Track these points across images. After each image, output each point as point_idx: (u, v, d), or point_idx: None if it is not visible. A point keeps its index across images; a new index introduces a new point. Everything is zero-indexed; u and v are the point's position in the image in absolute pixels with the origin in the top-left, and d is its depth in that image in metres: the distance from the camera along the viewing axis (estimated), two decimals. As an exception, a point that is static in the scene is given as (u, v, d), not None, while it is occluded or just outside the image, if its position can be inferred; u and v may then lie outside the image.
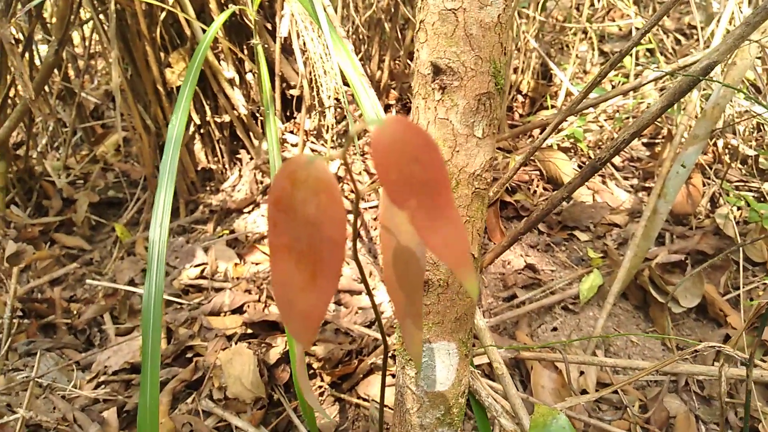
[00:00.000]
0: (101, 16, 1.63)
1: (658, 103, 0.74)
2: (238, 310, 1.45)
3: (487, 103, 0.55)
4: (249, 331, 1.38)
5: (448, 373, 0.69)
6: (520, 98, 2.27)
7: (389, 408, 1.21)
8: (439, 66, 0.53)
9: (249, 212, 1.78)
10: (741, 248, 1.51)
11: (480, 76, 0.53)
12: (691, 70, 0.70)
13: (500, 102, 0.57)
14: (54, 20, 1.45)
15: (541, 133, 1.96)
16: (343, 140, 1.82)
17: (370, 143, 0.28)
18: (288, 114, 1.91)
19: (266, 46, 1.68)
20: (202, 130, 1.85)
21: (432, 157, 0.28)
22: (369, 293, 0.44)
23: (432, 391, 0.70)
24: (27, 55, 1.75)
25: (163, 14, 1.60)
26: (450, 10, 0.51)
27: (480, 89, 0.54)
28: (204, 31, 1.54)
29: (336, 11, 1.68)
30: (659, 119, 2.05)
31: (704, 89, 1.63)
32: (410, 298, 0.40)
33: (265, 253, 1.61)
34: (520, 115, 2.24)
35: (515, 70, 2.19)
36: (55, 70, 2.03)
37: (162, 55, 1.72)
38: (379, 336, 1.35)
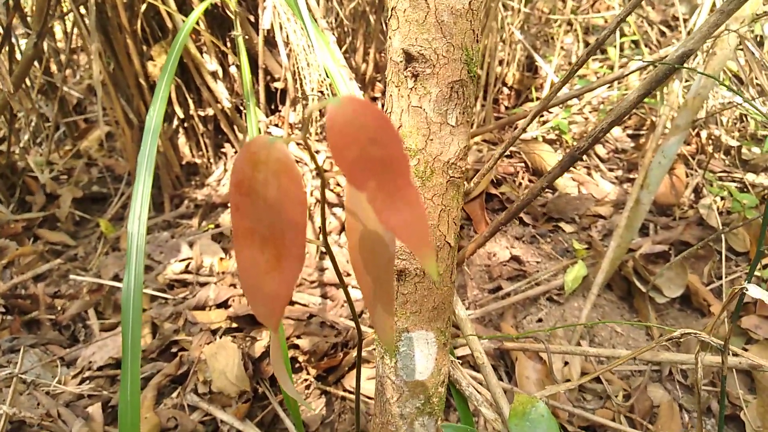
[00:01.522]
0: (81, 9, 1.62)
1: (635, 92, 0.74)
2: (223, 305, 1.44)
3: (461, 91, 0.54)
4: (234, 325, 1.37)
5: (427, 362, 0.69)
6: (505, 90, 2.27)
7: (370, 398, 1.22)
8: (411, 53, 0.53)
9: (234, 206, 1.77)
10: (724, 238, 1.52)
11: (452, 64, 0.53)
12: (667, 59, 0.70)
13: (474, 90, 0.56)
14: (33, 12, 1.43)
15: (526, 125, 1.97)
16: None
17: (326, 123, 0.28)
18: (273, 107, 1.90)
19: (248, 38, 1.67)
20: (186, 124, 1.84)
21: (390, 137, 0.28)
22: (341, 282, 0.43)
23: (411, 381, 0.70)
24: (6, 48, 1.72)
25: (144, 6, 1.58)
26: (421, -4, 0.51)
27: (453, 77, 0.54)
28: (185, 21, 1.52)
29: (318, 3, 1.67)
30: (644, 110, 2.06)
31: (687, 80, 1.63)
32: (379, 284, 0.40)
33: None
34: (506, 108, 2.24)
35: (500, 63, 2.19)
36: (37, 64, 2.01)
37: (144, 48, 1.71)
38: (366, 328, 1.35)
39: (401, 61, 0.54)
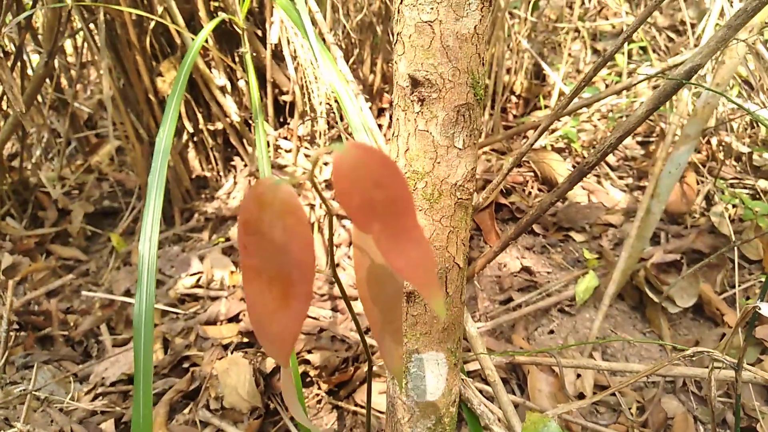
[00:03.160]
0: (91, 26, 1.64)
1: (644, 106, 0.74)
2: (234, 319, 1.45)
3: (467, 114, 0.54)
4: (245, 340, 1.38)
5: (438, 382, 0.69)
6: (513, 99, 2.26)
7: (382, 413, 1.21)
8: (417, 78, 0.53)
9: (244, 220, 1.78)
10: (736, 246, 1.51)
11: (458, 88, 0.53)
12: (674, 73, 0.69)
13: (480, 112, 0.56)
14: (44, 30, 1.45)
15: (534, 140, 1.96)
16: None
17: (332, 170, 0.28)
18: (281, 120, 1.91)
19: (254, 54, 1.68)
20: (195, 138, 1.85)
21: (394, 181, 0.28)
22: (348, 303, 0.43)
23: (422, 401, 0.70)
24: (19, 65, 1.75)
25: (153, 24, 1.60)
26: (426, 22, 0.51)
27: (459, 100, 0.54)
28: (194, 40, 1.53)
29: (325, 17, 1.68)
30: (654, 117, 2.05)
31: (695, 89, 1.63)
32: (387, 316, 0.40)
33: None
34: (514, 116, 2.24)
35: (508, 71, 2.19)
36: (48, 80, 2.03)
37: (153, 64, 1.72)
38: (374, 342, 1.35)
39: (407, 86, 0.54)
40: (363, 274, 0.39)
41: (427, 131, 0.55)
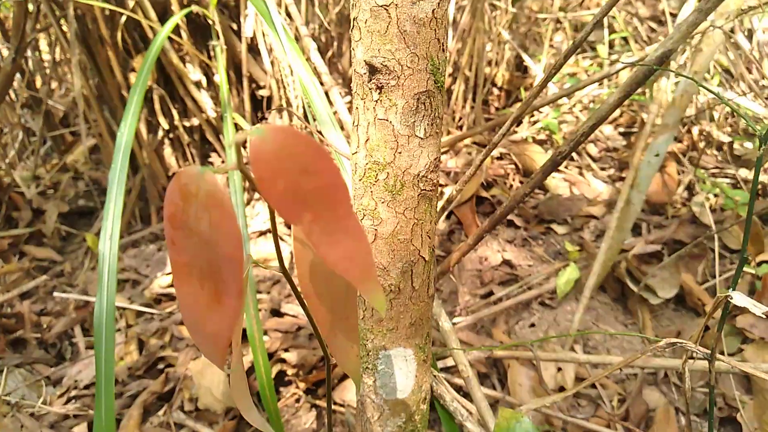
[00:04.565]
0: (62, 22, 1.60)
1: (616, 94, 0.72)
2: (211, 318, 1.42)
3: (428, 102, 0.52)
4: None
5: (407, 379, 0.67)
6: (495, 91, 2.25)
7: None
8: (374, 65, 0.50)
9: (222, 217, 1.75)
10: (717, 236, 1.50)
11: (418, 74, 0.51)
12: (646, 60, 0.68)
13: (442, 100, 0.54)
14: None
15: (516, 126, 1.94)
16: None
17: (250, 157, 0.26)
18: (259, 115, 1.88)
19: (231, 47, 1.65)
20: (171, 135, 1.82)
21: (324, 166, 0.26)
22: (302, 305, 0.41)
23: (392, 399, 0.68)
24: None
25: (124, 18, 1.56)
26: (382, 6, 0.49)
27: (418, 88, 0.51)
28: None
29: (300, 10, 1.65)
30: (635, 108, 2.04)
31: (675, 78, 1.61)
32: (338, 313, 0.38)
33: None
34: (496, 109, 2.22)
35: (489, 63, 2.17)
36: (21, 78, 1.99)
37: (127, 60, 1.69)
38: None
39: (365, 73, 0.52)
40: (305, 269, 0.36)
41: (387, 120, 0.53)
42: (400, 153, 0.54)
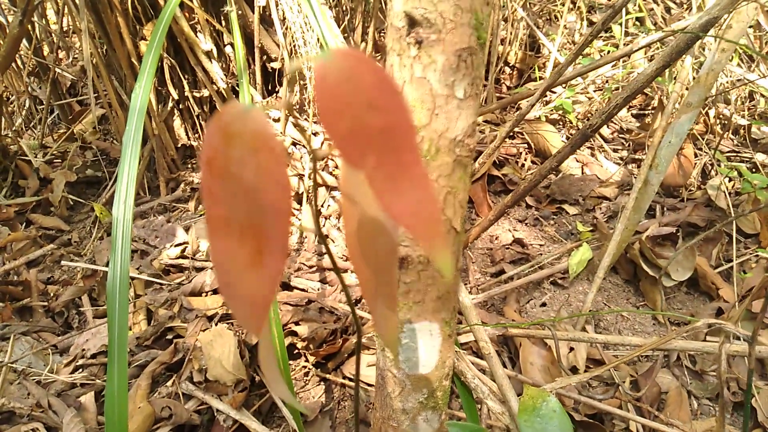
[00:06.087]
0: (70, -14, 1.56)
1: (654, 64, 0.70)
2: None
3: (469, 60, 0.50)
4: (230, 311, 1.34)
5: (431, 354, 0.65)
6: (507, 70, 2.21)
7: (370, 386, 1.18)
8: (414, 17, 0.48)
9: (230, 189, 1.73)
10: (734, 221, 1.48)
11: (460, 29, 0.48)
12: (689, 27, 0.65)
13: (483, 59, 0.52)
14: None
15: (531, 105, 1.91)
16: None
17: (314, 84, 0.23)
18: (270, 88, 1.85)
19: (243, 16, 1.61)
20: (180, 106, 1.78)
21: (392, 101, 0.23)
22: (336, 270, 0.39)
23: (414, 374, 0.66)
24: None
25: (135, -17, 1.53)
26: (425, -45, 0.46)
27: (460, 44, 0.49)
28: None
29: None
30: (650, 89, 2.01)
31: (697, 57, 1.58)
32: (380, 277, 0.36)
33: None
34: (509, 87, 2.19)
35: (502, 41, 2.13)
36: (28, 45, 1.95)
37: (136, 27, 1.65)
38: (364, 314, 1.31)
39: (403, 26, 0.49)
40: (352, 228, 0.34)
41: (425, 78, 0.50)
42: (437, 115, 0.51)
